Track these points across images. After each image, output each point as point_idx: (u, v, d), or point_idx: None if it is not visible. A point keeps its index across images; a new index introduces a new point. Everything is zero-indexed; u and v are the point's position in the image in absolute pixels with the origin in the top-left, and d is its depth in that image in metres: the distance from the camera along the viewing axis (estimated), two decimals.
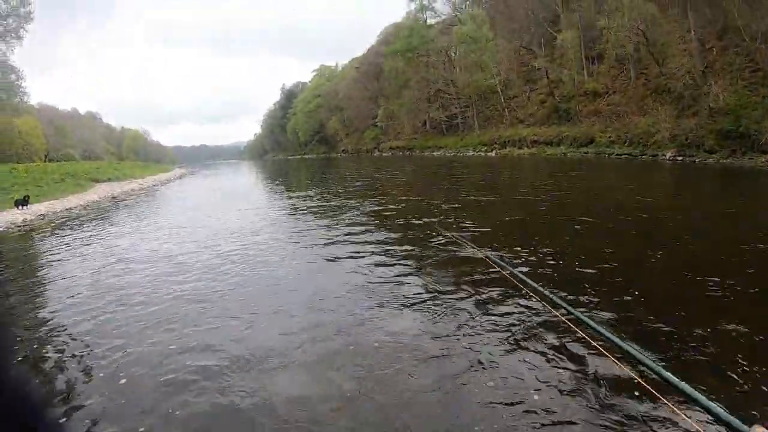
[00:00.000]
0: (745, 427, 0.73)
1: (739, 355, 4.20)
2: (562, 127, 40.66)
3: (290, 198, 22.37)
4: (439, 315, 5.74)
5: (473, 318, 5.55)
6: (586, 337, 3.05)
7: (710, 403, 0.92)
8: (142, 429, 3.78)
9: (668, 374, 1.14)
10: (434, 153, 59.61)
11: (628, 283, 6.45)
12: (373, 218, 13.25)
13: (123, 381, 4.56)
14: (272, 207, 19.92)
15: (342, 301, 6.49)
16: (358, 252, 9.20)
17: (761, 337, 4.55)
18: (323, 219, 13.90)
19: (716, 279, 6.37)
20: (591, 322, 2.41)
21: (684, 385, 1.07)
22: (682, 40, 32.76)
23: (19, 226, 17.49)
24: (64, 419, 3.92)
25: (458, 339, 5.03)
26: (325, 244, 10.20)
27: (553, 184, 20.67)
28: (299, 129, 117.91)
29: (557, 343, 4.73)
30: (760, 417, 2.85)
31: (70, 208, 22.39)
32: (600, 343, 2.93)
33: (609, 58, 39.86)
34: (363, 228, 11.68)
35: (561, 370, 4.24)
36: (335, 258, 8.94)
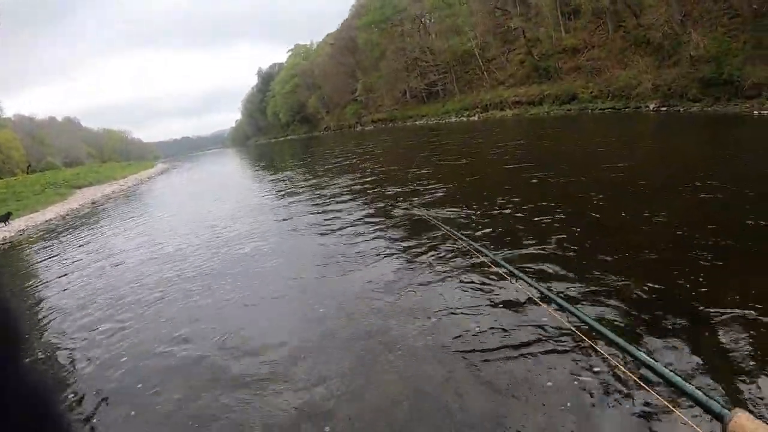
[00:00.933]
0: (726, 411, 0.69)
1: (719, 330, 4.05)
2: (543, 85, 40.35)
3: (271, 180, 22.98)
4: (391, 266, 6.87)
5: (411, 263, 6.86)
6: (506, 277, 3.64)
7: (689, 386, 0.85)
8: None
9: (642, 354, 1.09)
10: (416, 122, 59.19)
11: (568, 234, 7.06)
12: (347, 192, 14.29)
13: None
14: (252, 192, 20.09)
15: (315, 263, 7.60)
16: (330, 221, 10.38)
17: (733, 311, 4.23)
18: (302, 197, 14.79)
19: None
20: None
21: (661, 368, 1.00)
22: None
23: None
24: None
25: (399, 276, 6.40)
26: (305, 219, 11.24)
27: (524, 143, 21.92)
28: (279, 111, 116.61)
29: (477, 279, 5.83)
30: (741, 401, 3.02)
31: (50, 220, 22.01)
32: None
33: (585, 13, 39.43)
34: (337, 200, 12.89)
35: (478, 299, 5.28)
36: (312, 227, 10.29)
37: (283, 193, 16.79)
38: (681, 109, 26.51)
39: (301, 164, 29.28)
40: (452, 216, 9.13)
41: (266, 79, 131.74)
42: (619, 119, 27.97)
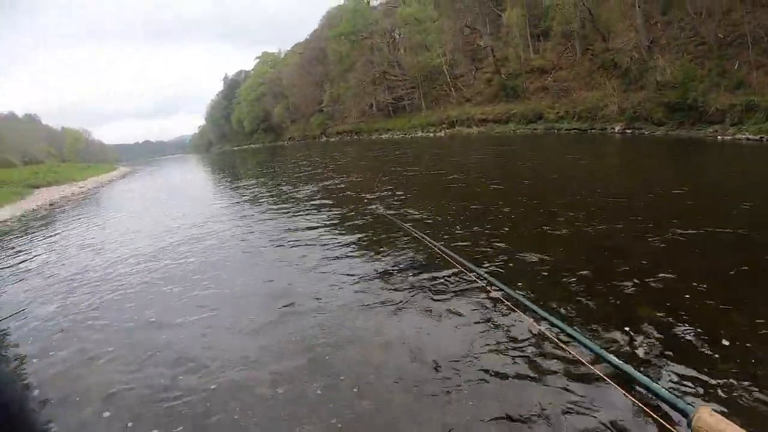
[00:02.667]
0: (690, 407, 0.61)
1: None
2: (509, 104, 40.44)
3: (234, 189, 22.19)
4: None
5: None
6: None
7: (655, 385, 0.89)
8: None
9: (611, 356, 1.30)
10: (382, 136, 58.50)
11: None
12: (311, 200, 14.19)
13: None
14: (215, 201, 19.09)
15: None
16: (293, 227, 10.43)
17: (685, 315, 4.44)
18: (264, 207, 14.23)
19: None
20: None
21: (628, 367, 1.10)
22: (627, 16, 32.83)
23: None
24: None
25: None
26: (265, 226, 11.08)
27: (476, 159, 22.67)
28: (244, 118, 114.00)
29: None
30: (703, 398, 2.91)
31: (5, 221, 20.11)
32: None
33: (555, 35, 39.73)
34: (296, 210, 12.68)
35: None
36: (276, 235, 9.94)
37: (245, 201, 16.35)
38: (646, 132, 26.66)
39: (266, 173, 28.19)
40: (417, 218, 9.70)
41: (232, 86, 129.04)
42: (584, 140, 28.06)
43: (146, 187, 34.92)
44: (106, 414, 3.92)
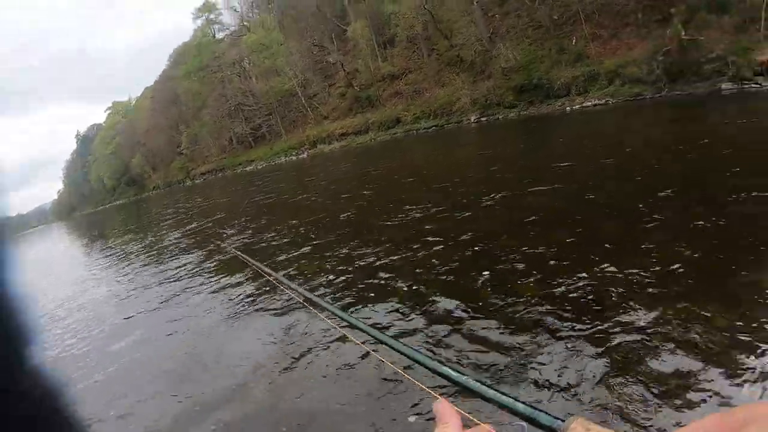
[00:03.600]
0: (559, 422, 0.67)
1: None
2: (366, 114, 39.53)
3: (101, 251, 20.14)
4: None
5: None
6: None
7: (509, 399, 0.69)
8: None
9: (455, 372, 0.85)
10: (246, 168, 55.52)
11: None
12: (173, 247, 14.01)
13: None
14: (83, 266, 17.30)
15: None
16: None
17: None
18: (133, 263, 13.60)
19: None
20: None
21: (473, 383, 0.78)
22: (466, 13, 33.10)
23: None
24: None
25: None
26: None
27: (331, 174, 22.68)
28: (103, 175, 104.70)
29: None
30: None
31: None
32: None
33: (400, 41, 39.62)
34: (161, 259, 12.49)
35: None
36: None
37: (112, 262, 15.40)
38: (500, 117, 26.52)
39: (130, 231, 24.88)
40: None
41: (85, 142, 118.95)
42: (441, 135, 27.65)
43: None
44: None
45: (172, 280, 9.55)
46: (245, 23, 64.83)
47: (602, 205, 7.00)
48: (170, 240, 15.61)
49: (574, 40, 25.46)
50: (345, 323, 1.55)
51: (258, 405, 3.99)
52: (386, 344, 1.19)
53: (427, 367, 0.89)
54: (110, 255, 17.01)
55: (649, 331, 3.54)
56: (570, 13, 26.55)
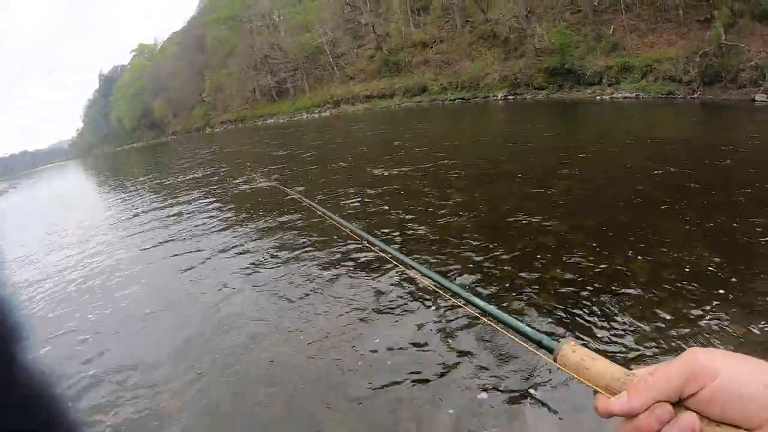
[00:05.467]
0: (555, 343, 0.71)
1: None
2: (393, 79, 39.47)
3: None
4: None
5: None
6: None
7: (520, 323, 0.83)
8: None
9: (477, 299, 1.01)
10: (267, 121, 55.59)
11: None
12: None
13: None
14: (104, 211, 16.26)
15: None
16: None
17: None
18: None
19: None
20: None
21: (493, 309, 0.93)
22: None
23: None
24: None
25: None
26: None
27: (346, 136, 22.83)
28: (124, 116, 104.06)
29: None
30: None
31: None
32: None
33: (435, 9, 39.37)
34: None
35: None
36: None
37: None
38: (527, 97, 26.60)
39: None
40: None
41: (108, 82, 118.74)
42: (468, 108, 27.60)
43: (26, 204, 29.39)
44: None
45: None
46: None
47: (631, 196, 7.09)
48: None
49: (611, 29, 25.30)
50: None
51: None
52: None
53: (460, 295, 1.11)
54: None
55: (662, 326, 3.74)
56: (610, 1, 26.38)
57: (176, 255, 7.89)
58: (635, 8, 24.88)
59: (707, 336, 3.52)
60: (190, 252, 7.84)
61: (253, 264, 6.55)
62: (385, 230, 6.96)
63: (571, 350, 0.67)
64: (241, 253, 7.17)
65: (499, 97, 28.31)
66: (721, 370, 0.48)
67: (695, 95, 18.94)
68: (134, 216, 12.38)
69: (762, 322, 3.60)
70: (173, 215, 11.20)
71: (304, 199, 3.34)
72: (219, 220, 9.56)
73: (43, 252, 10.76)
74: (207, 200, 12.06)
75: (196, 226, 9.42)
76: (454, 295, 1.16)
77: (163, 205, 13.03)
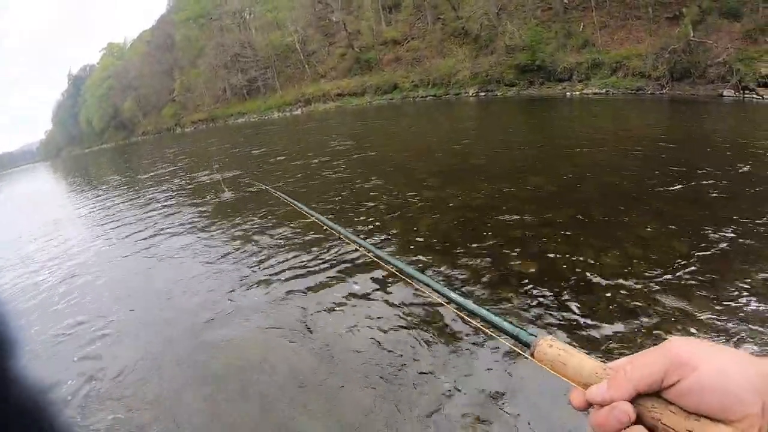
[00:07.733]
0: (532, 337, 0.71)
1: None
2: (364, 77, 39.16)
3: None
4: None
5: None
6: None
7: (497, 318, 0.83)
8: None
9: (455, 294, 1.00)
10: (238, 120, 54.83)
11: None
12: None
13: None
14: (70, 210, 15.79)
15: None
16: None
17: None
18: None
19: None
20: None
21: (470, 303, 0.93)
22: None
23: None
24: None
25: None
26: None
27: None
28: (92, 117, 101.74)
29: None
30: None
31: None
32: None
33: (406, 6, 39.16)
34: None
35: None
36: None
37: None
38: (498, 93, 26.54)
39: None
40: None
41: (77, 82, 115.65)
42: (439, 105, 27.43)
43: None
44: None
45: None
46: None
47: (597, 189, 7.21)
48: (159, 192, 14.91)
49: (582, 26, 25.33)
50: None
51: None
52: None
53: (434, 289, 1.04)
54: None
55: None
56: None
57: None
58: (605, 5, 24.94)
59: (679, 327, 3.51)
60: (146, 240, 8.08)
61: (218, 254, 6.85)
62: (354, 222, 7.03)
63: (548, 345, 0.67)
64: (209, 246, 7.32)
65: (470, 94, 28.27)
66: (701, 362, 0.48)
67: (664, 91, 18.99)
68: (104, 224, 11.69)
69: (732, 309, 3.63)
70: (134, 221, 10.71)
71: (271, 189, 3.49)
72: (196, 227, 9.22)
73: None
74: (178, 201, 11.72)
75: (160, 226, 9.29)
76: (434, 291, 1.08)
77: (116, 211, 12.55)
